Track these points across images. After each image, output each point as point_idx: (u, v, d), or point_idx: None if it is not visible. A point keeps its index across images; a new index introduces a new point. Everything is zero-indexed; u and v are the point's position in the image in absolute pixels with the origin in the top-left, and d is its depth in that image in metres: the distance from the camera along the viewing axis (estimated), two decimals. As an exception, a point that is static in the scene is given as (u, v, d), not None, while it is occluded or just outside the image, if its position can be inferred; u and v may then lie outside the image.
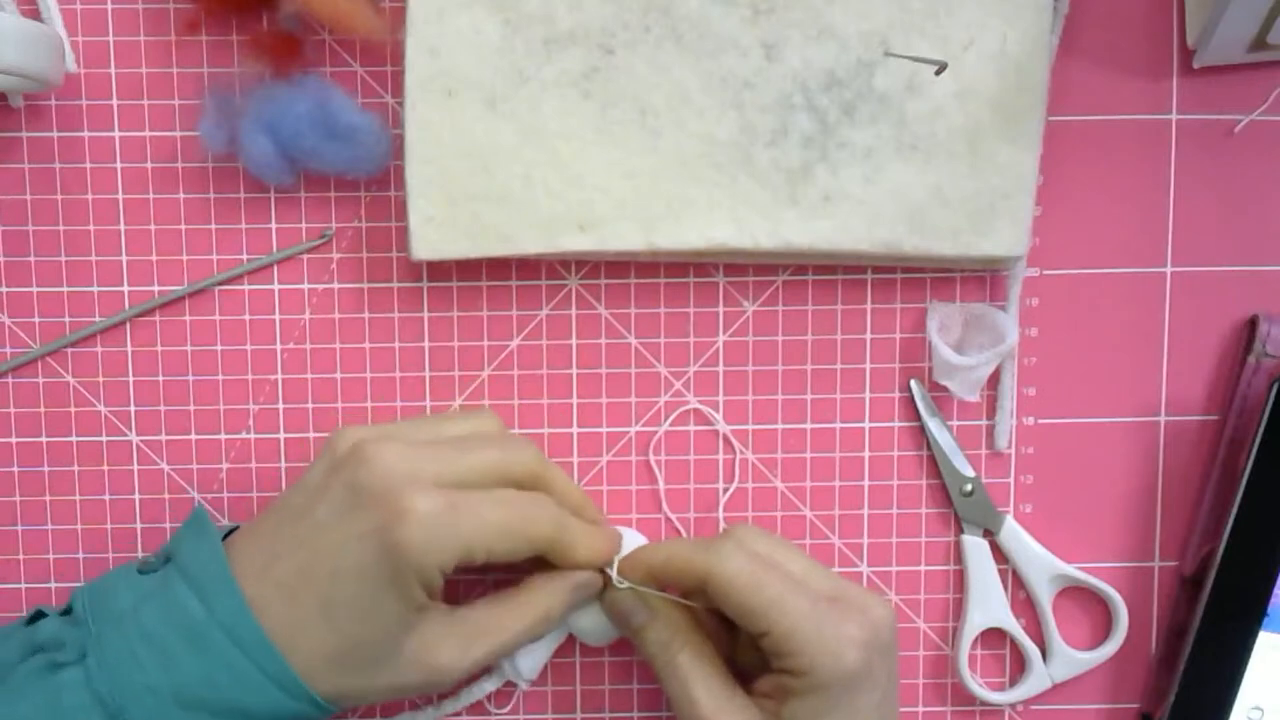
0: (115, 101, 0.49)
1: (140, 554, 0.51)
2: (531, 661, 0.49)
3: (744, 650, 0.47)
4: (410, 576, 0.41)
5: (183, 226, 0.50)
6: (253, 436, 0.50)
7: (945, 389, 0.49)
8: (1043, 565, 0.51)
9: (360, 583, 0.41)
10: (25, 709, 0.40)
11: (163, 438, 0.50)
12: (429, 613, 0.43)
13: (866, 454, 0.51)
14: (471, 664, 0.44)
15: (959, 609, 0.52)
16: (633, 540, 0.49)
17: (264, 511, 0.45)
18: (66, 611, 0.43)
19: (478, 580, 0.51)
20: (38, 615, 0.44)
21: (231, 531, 0.46)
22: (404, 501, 0.40)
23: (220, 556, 0.42)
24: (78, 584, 0.50)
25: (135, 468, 0.50)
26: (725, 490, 0.51)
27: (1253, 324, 0.50)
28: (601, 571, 0.46)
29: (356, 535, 0.41)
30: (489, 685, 0.50)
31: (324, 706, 0.42)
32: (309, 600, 0.41)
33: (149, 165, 0.49)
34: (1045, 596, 0.51)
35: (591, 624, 0.47)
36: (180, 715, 0.40)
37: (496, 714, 0.51)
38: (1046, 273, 0.50)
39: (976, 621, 0.51)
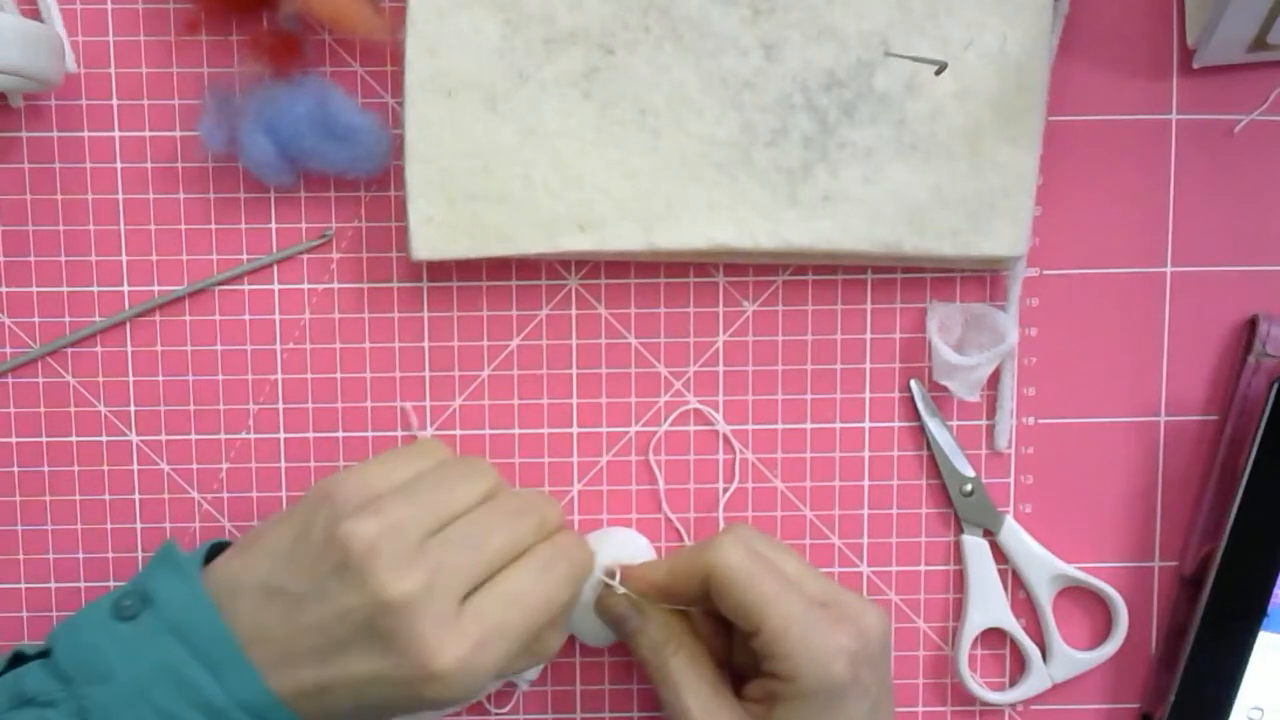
0: (115, 101, 0.49)
1: (140, 554, 0.50)
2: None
3: (739, 652, 0.47)
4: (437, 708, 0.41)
5: (183, 226, 0.50)
6: (253, 436, 0.50)
7: (945, 389, 0.49)
8: (1043, 565, 0.51)
9: (384, 707, 0.41)
10: None
11: (163, 438, 0.50)
12: None
13: (866, 454, 0.51)
14: (471, 677, 0.42)
15: (959, 609, 0.52)
16: (632, 540, 0.49)
17: (261, 585, 0.41)
18: (45, 652, 0.42)
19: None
20: (17, 658, 0.42)
21: (212, 556, 0.43)
22: (435, 664, 0.39)
23: (220, 625, 0.40)
24: (78, 584, 0.51)
25: (135, 468, 0.50)
26: (725, 490, 0.51)
27: (1253, 324, 0.50)
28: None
29: (385, 679, 0.40)
30: (490, 686, 0.50)
31: None
32: (333, 708, 0.40)
33: (149, 165, 0.49)
34: (1045, 596, 0.51)
35: (591, 625, 0.47)
36: None
37: (497, 714, 0.51)
38: (1046, 273, 0.50)
39: (976, 621, 0.51)
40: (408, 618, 0.39)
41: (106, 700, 0.40)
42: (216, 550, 0.44)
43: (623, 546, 0.48)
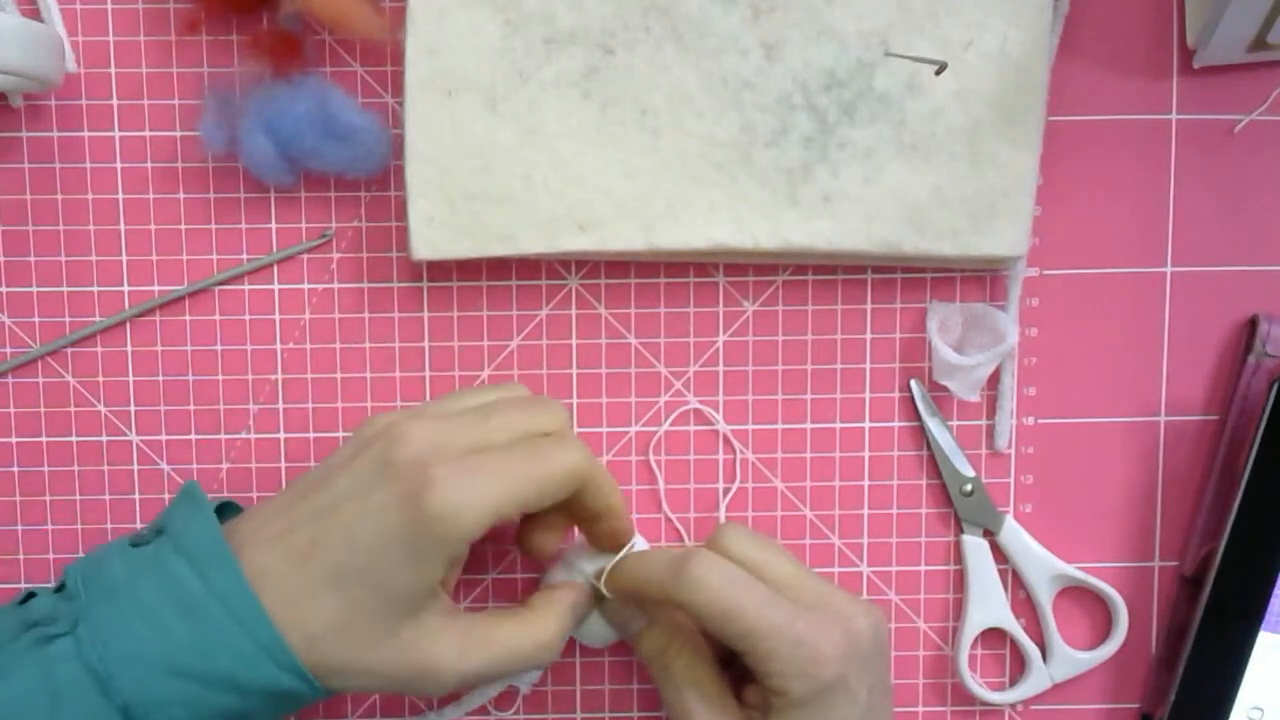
0: (115, 101, 0.49)
1: (140, 554, 0.51)
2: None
3: (737, 657, 0.47)
4: (437, 546, 0.40)
5: (183, 226, 0.50)
6: (253, 436, 0.50)
7: (945, 389, 0.49)
8: (1043, 565, 0.51)
9: (376, 551, 0.40)
10: (18, 684, 0.40)
11: (163, 438, 0.50)
12: (435, 603, 0.42)
13: (866, 454, 0.51)
14: (467, 671, 0.43)
15: (959, 609, 0.52)
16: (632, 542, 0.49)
17: (281, 490, 0.45)
18: (60, 589, 0.43)
19: (477, 580, 0.51)
20: (30, 596, 0.44)
21: (224, 505, 0.46)
22: (431, 470, 0.40)
23: (214, 527, 0.42)
24: (78, 584, 0.51)
25: (135, 468, 0.50)
26: (725, 490, 0.51)
27: (1253, 324, 0.50)
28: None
29: (379, 504, 0.41)
30: (491, 690, 0.50)
31: (315, 685, 0.41)
32: (319, 567, 0.41)
33: (149, 165, 0.49)
34: (1045, 596, 0.51)
35: (592, 625, 0.47)
36: (170, 683, 0.40)
37: (497, 715, 0.51)
38: (1046, 273, 0.50)
39: (976, 621, 0.51)
40: (412, 443, 0.41)
41: (98, 606, 0.41)
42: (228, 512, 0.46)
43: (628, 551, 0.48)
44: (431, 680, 0.42)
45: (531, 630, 0.44)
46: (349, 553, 0.41)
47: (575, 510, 0.45)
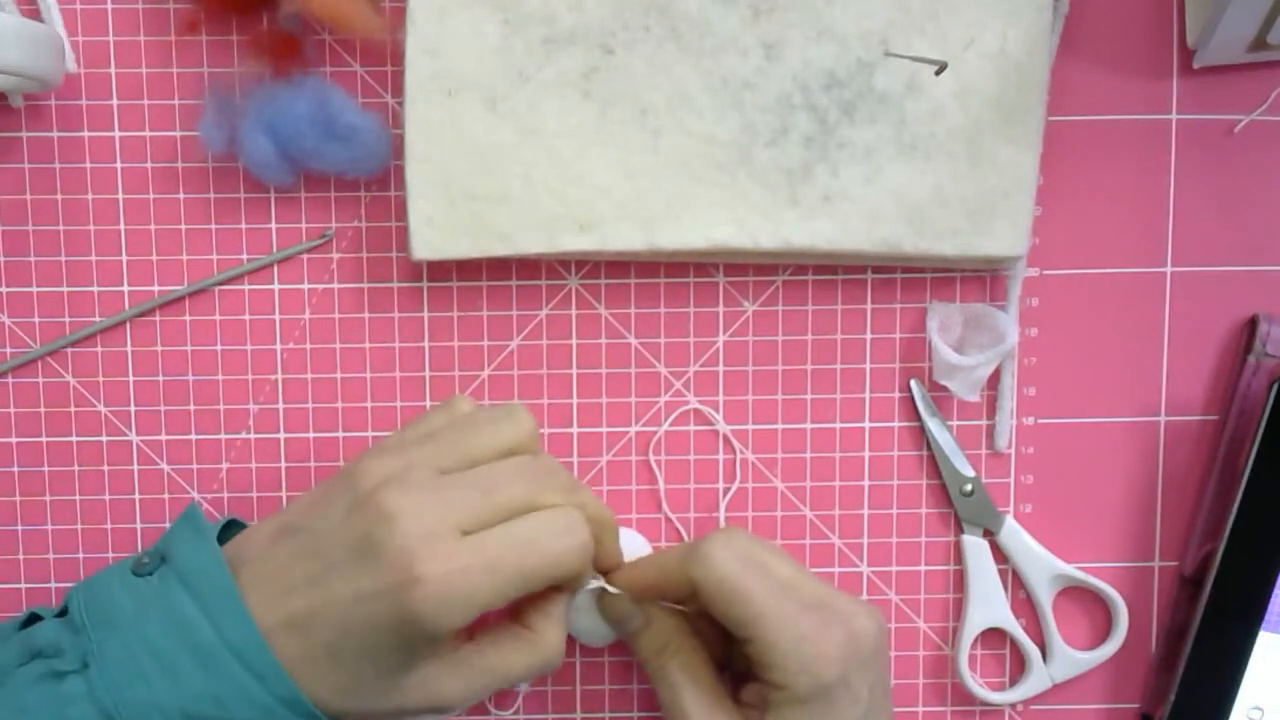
0: (115, 101, 0.49)
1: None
2: None
3: (736, 656, 0.47)
4: (419, 640, 0.40)
5: (183, 226, 0.50)
6: (253, 436, 0.50)
7: (945, 389, 0.49)
8: (1043, 565, 0.51)
9: (368, 635, 0.40)
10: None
11: (163, 438, 0.50)
12: (434, 652, 0.42)
13: (866, 454, 0.51)
14: (475, 697, 0.43)
15: (959, 609, 0.52)
16: (631, 540, 0.49)
17: (276, 528, 0.43)
18: (62, 613, 0.43)
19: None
20: (33, 618, 0.44)
21: (227, 526, 0.46)
22: (417, 568, 0.39)
23: (224, 571, 0.41)
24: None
25: (135, 468, 0.50)
26: (725, 491, 0.51)
27: (1253, 324, 0.50)
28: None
29: (370, 593, 0.40)
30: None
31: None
32: (317, 640, 0.41)
33: (149, 165, 0.49)
34: (1045, 596, 0.51)
35: (591, 624, 0.47)
36: None
37: (497, 715, 0.51)
38: (1046, 273, 0.50)
39: (976, 621, 0.51)
40: (401, 527, 0.40)
41: (108, 644, 0.41)
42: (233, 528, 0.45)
43: (622, 546, 0.48)
44: (441, 709, 0.43)
45: (534, 649, 0.44)
46: (342, 634, 0.41)
47: None
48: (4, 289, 0.50)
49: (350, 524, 0.41)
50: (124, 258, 0.50)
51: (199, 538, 0.43)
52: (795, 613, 0.42)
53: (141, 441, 0.50)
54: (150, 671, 0.40)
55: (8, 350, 0.50)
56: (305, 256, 0.50)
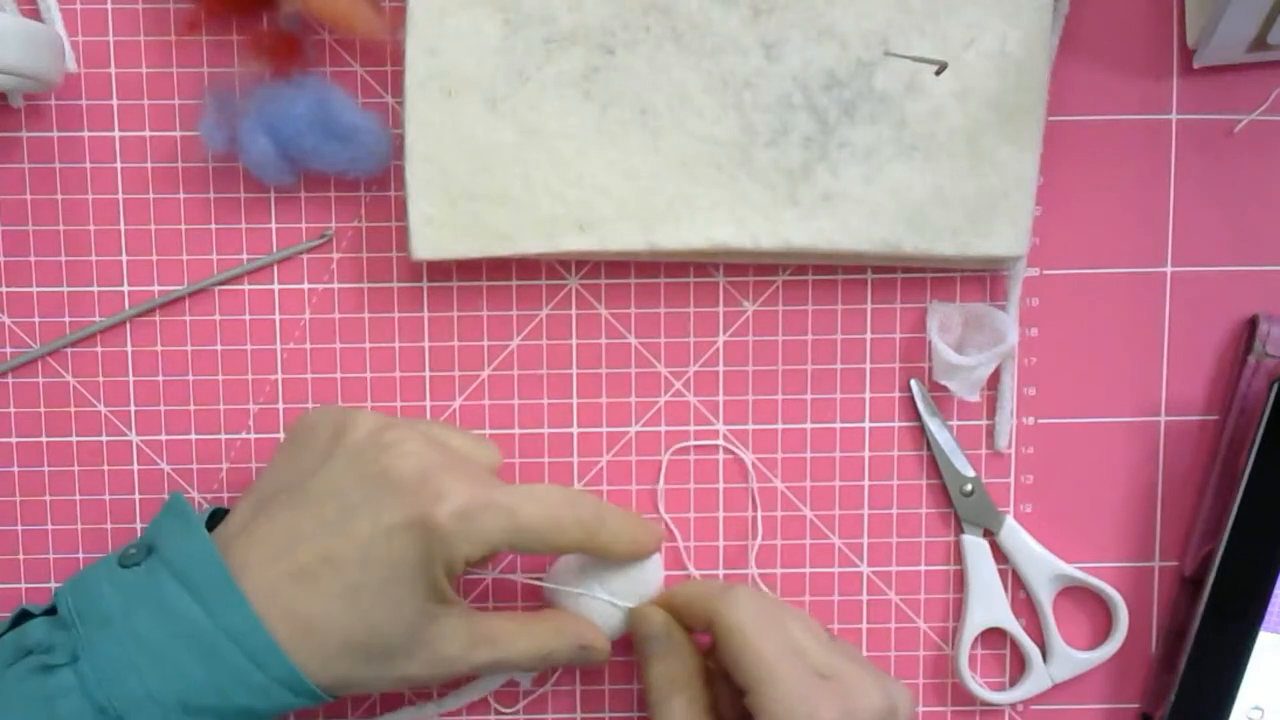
0: (115, 101, 0.49)
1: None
2: None
3: (735, 709, 0.46)
4: (439, 562, 0.41)
5: (183, 226, 0.50)
6: (253, 436, 0.50)
7: (945, 389, 0.49)
8: (1043, 565, 0.51)
9: (391, 568, 0.41)
10: (17, 716, 0.40)
11: (163, 438, 0.50)
12: (449, 607, 0.43)
13: (866, 454, 0.51)
14: (471, 665, 0.44)
15: (959, 609, 0.52)
16: (658, 570, 0.49)
17: (255, 501, 0.44)
18: (51, 610, 0.43)
19: (477, 580, 0.51)
20: (22, 615, 0.44)
21: (213, 515, 0.45)
22: (443, 485, 0.41)
23: (211, 550, 0.41)
24: (78, 584, 0.51)
25: (135, 468, 0.50)
26: (725, 491, 0.51)
27: (1253, 324, 0.50)
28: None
29: (390, 523, 0.41)
30: (491, 683, 0.50)
31: (329, 698, 0.42)
32: (333, 586, 0.41)
33: (149, 165, 0.49)
34: (1045, 596, 0.51)
35: (596, 620, 0.47)
36: None
37: (498, 714, 0.51)
38: (1046, 273, 0.50)
39: (976, 621, 0.51)
40: (418, 456, 0.41)
41: (98, 638, 0.41)
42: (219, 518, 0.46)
43: (651, 574, 0.48)
44: (440, 674, 0.44)
45: (533, 641, 0.45)
46: (364, 571, 0.41)
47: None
48: (4, 289, 0.50)
49: (357, 466, 0.42)
50: (124, 258, 0.50)
51: (186, 526, 0.43)
52: (798, 675, 0.42)
53: (141, 441, 0.50)
54: (142, 664, 0.40)
55: (8, 350, 0.50)
56: (305, 256, 0.50)
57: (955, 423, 0.51)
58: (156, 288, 0.50)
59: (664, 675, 0.46)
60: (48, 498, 0.50)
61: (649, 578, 0.48)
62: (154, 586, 0.41)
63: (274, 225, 0.50)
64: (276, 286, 0.50)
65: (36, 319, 0.50)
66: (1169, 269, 0.50)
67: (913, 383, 0.51)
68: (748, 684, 0.42)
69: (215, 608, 0.40)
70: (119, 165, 0.49)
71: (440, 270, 0.50)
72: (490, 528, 0.41)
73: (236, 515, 0.44)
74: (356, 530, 0.41)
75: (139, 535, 0.45)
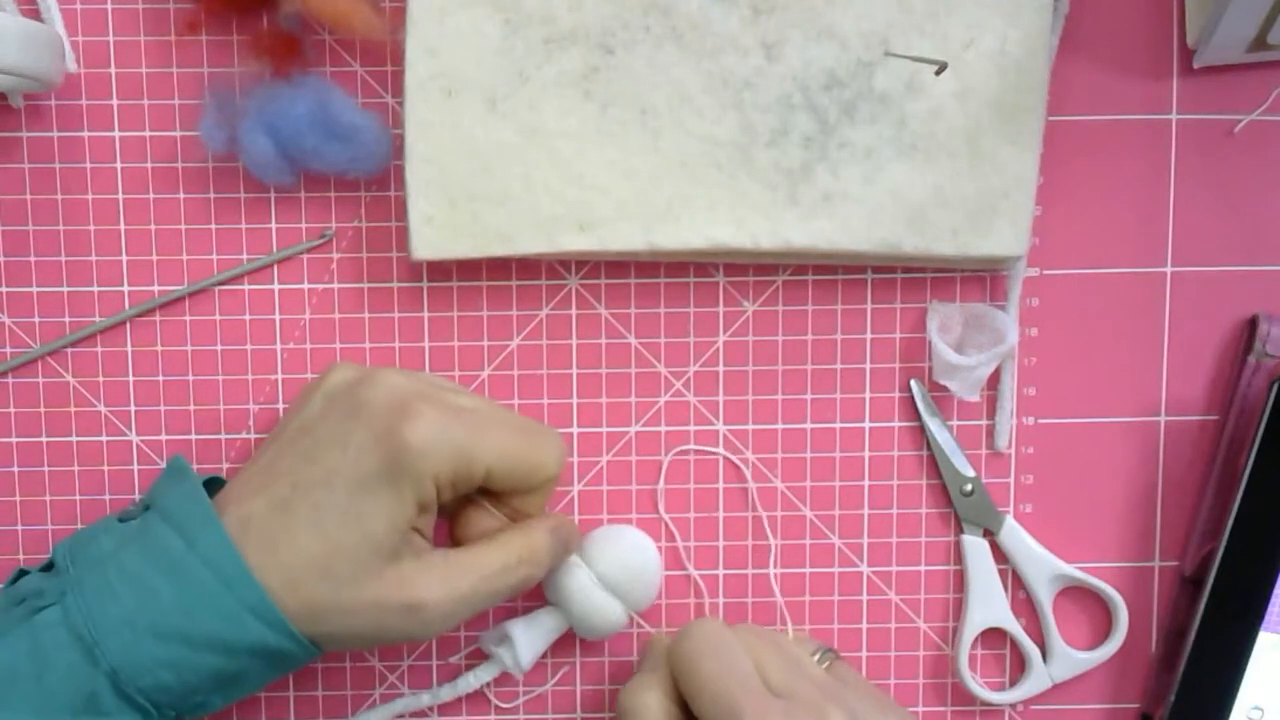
0: (115, 101, 0.49)
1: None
2: (529, 651, 0.49)
3: None
4: (407, 477, 0.41)
5: (183, 226, 0.50)
6: (253, 436, 0.50)
7: (945, 389, 0.49)
8: (1043, 565, 0.51)
9: (355, 484, 0.41)
10: (4, 653, 0.40)
11: (163, 438, 0.50)
12: (413, 543, 0.43)
13: (866, 454, 0.51)
14: (457, 599, 0.43)
15: (959, 609, 0.52)
16: (634, 538, 0.49)
17: (248, 459, 0.46)
18: (48, 566, 0.43)
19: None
20: (20, 574, 0.44)
21: (212, 480, 0.46)
22: (412, 405, 0.42)
23: (200, 494, 0.42)
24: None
25: (135, 468, 0.50)
26: (725, 491, 0.51)
27: (1253, 324, 0.50)
28: None
29: (358, 442, 0.42)
30: (486, 674, 0.50)
31: (302, 642, 0.42)
32: (300, 509, 0.41)
33: (149, 165, 0.49)
34: (1045, 596, 0.51)
35: (592, 618, 0.47)
36: (157, 647, 0.40)
37: (498, 714, 0.51)
38: (1046, 273, 0.50)
39: (976, 621, 0.51)
40: (390, 382, 0.43)
41: (86, 576, 0.41)
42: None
43: (630, 549, 0.48)
44: (417, 617, 0.42)
45: (511, 548, 0.44)
46: (328, 491, 0.41)
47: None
48: (4, 289, 0.50)
49: (336, 402, 0.43)
50: (124, 258, 0.50)
51: (181, 479, 0.44)
52: (739, 692, 0.41)
53: (141, 441, 0.50)
54: (121, 591, 0.41)
55: (8, 350, 0.50)
56: (305, 256, 0.50)
57: (955, 423, 0.51)
58: (156, 288, 0.50)
59: (642, 699, 0.44)
60: (48, 498, 0.50)
61: (645, 578, 0.48)
62: (145, 529, 0.42)
63: (274, 225, 0.50)
64: (276, 286, 0.50)
65: (36, 319, 0.50)
66: (1169, 269, 0.50)
67: (913, 383, 0.51)
68: (691, 703, 0.42)
69: (194, 538, 0.41)
70: (119, 165, 0.49)
71: (440, 270, 0.50)
72: (456, 442, 0.42)
73: (234, 473, 0.46)
74: (327, 455, 0.42)
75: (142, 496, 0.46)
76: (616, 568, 0.47)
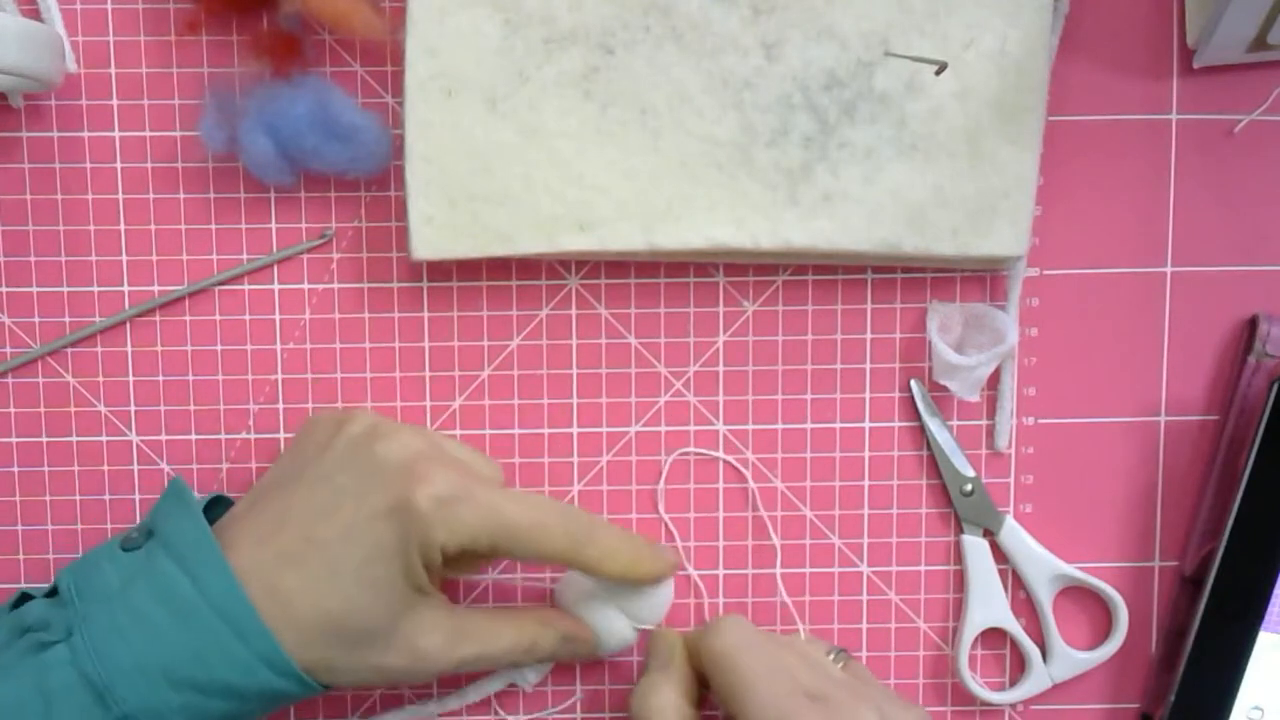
0: (115, 101, 0.49)
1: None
2: (537, 670, 0.49)
3: None
4: (414, 545, 0.41)
5: (183, 226, 0.50)
6: (253, 436, 0.50)
7: (945, 389, 0.49)
8: (1043, 565, 0.51)
9: (371, 549, 0.41)
10: (12, 690, 0.40)
11: (163, 438, 0.50)
12: (428, 599, 0.43)
13: (866, 454, 0.51)
14: (457, 661, 0.44)
15: (959, 609, 0.52)
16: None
17: (255, 493, 0.45)
18: (52, 592, 0.43)
19: (476, 580, 0.51)
20: (23, 598, 0.44)
21: (213, 501, 0.46)
22: (427, 471, 0.42)
23: (205, 531, 0.42)
24: (78, 584, 0.51)
25: (135, 468, 0.50)
26: (725, 491, 0.51)
27: (1253, 324, 0.50)
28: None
29: (373, 505, 0.41)
30: (492, 686, 0.50)
31: (311, 685, 0.42)
32: (313, 564, 0.41)
33: (149, 165, 0.49)
34: (1045, 596, 0.51)
35: (604, 634, 0.47)
36: (170, 694, 0.40)
37: (498, 714, 0.51)
38: (1046, 273, 0.50)
39: (976, 621, 0.51)
40: (407, 444, 0.43)
41: (93, 613, 0.41)
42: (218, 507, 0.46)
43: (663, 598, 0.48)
44: (421, 669, 0.44)
45: (520, 634, 0.45)
46: (345, 550, 0.41)
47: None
48: (4, 289, 0.50)
49: (351, 454, 0.43)
50: (124, 258, 0.50)
51: (183, 508, 0.43)
52: (780, 691, 0.42)
53: (141, 441, 0.50)
54: (131, 633, 0.40)
55: (8, 350, 0.50)
56: (305, 256, 0.50)
57: (955, 423, 0.51)
58: (156, 288, 0.50)
59: (656, 699, 0.44)
60: (48, 498, 0.50)
61: (657, 598, 0.47)
62: (150, 564, 0.42)
63: (274, 225, 0.50)
64: (276, 286, 0.50)
65: (36, 319, 0.50)
66: (1169, 269, 0.50)
67: (913, 383, 0.51)
68: (730, 702, 0.42)
69: (203, 580, 0.41)
70: (119, 165, 0.49)
71: (440, 270, 0.50)
72: (468, 517, 0.42)
73: (237, 507, 0.45)
74: (341, 512, 0.42)
75: (142, 520, 0.45)
76: (629, 586, 0.47)
